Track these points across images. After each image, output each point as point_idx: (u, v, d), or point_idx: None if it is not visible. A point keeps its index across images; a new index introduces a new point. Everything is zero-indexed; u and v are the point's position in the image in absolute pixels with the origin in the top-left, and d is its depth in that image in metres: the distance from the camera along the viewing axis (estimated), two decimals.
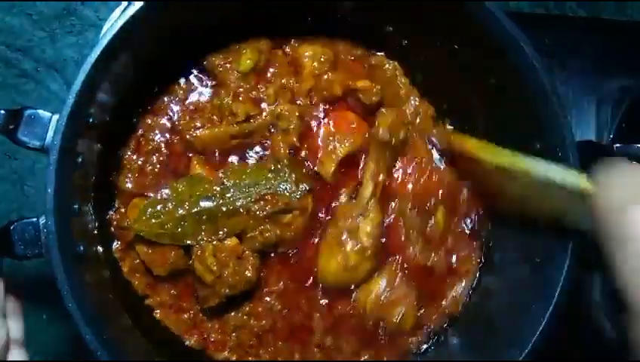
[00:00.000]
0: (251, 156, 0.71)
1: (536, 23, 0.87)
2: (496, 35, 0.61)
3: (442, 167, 0.72)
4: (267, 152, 0.70)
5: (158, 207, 0.65)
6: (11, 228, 0.57)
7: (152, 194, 0.69)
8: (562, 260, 0.60)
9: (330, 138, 0.71)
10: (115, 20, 0.58)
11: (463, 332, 0.72)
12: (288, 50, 0.73)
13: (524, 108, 0.63)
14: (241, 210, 0.66)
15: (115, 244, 0.69)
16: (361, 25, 0.72)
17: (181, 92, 0.71)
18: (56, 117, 0.57)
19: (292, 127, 0.70)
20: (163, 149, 0.70)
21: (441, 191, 0.72)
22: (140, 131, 0.71)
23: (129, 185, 0.69)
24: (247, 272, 0.67)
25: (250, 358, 0.72)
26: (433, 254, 0.72)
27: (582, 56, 0.86)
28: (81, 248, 0.59)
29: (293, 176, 0.68)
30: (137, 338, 0.68)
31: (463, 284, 0.73)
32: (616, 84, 0.85)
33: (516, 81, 0.62)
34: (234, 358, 0.71)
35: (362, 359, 0.73)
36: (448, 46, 0.68)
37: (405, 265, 0.71)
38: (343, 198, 0.71)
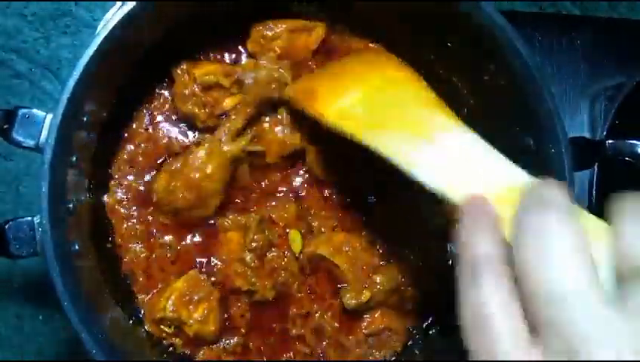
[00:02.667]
0: None
1: (529, 21, 0.87)
2: (489, 33, 0.61)
3: None
4: None
5: None
6: (6, 226, 0.57)
7: None
8: None
9: None
10: (109, 20, 0.58)
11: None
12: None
13: (516, 105, 0.63)
14: None
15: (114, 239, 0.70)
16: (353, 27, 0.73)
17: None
18: (50, 116, 0.57)
19: None
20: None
21: None
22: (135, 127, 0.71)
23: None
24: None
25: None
26: None
27: (575, 53, 0.87)
28: (77, 247, 0.59)
29: None
30: (134, 337, 0.68)
31: None
32: (610, 81, 0.86)
33: (509, 79, 0.63)
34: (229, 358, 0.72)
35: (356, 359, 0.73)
36: (441, 44, 0.68)
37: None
38: None
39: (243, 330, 0.71)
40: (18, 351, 0.81)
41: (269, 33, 0.70)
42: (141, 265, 0.70)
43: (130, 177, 0.71)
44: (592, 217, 0.38)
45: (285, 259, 0.70)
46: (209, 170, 0.67)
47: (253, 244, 0.69)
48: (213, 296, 0.68)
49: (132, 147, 0.71)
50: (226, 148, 0.68)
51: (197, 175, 0.67)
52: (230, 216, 0.70)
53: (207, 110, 0.69)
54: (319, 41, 0.72)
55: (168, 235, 0.71)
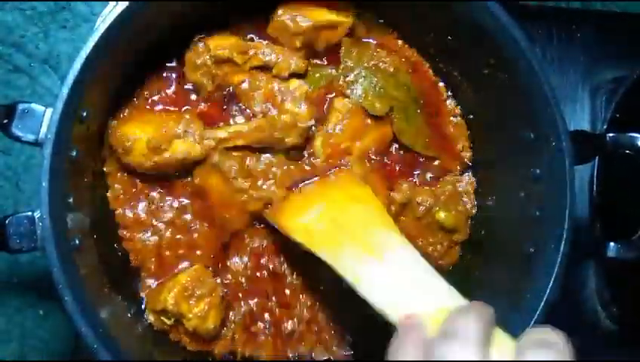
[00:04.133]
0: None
1: (529, 14, 0.87)
2: (489, 26, 0.61)
3: None
4: None
5: None
6: (6, 221, 0.57)
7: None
8: (556, 249, 0.60)
9: None
10: (108, 14, 0.58)
11: None
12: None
13: (517, 98, 0.63)
14: None
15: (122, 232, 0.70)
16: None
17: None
18: (50, 110, 0.56)
19: None
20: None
21: None
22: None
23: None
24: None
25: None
26: None
27: (575, 46, 0.87)
28: (77, 241, 0.59)
29: None
30: (135, 332, 0.68)
31: None
32: (610, 74, 0.86)
33: (509, 72, 0.63)
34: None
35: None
36: (441, 37, 0.68)
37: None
38: None
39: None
40: (18, 345, 0.81)
41: (292, 25, 0.68)
42: (151, 252, 0.71)
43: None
44: (501, 332, 0.44)
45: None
46: None
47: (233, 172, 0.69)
48: (216, 293, 0.68)
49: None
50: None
51: None
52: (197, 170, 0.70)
53: (214, 82, 0.69)
54: (341, 37, 0.72)
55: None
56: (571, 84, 0.86)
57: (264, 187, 0.70)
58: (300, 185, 0.71)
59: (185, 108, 0.71)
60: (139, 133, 0.66)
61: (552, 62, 0.86)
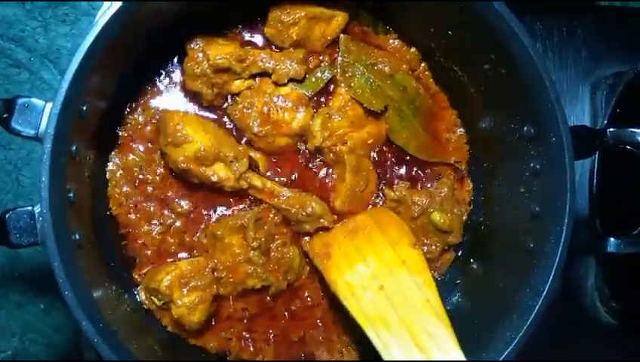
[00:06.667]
0: None
1: (530, 9, 0.86)
2: (490, 20, 0.61)
3: None
4: None
5: None
6: (6, 216, 0.57)
7: None
8: (556, 245, 0.60)
9: None
10: (108, 8, 0.58)
11: None
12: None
13: (517, 93, 0.63)
14: None
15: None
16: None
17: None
18: (49, 105, 0.56)
19: None
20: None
21: None
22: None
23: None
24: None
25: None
26: None
27: (576, 41, 0.86)
28: (77, 236, 0.59)
29: None
30: (135, 326, 0.68)
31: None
32: (610, 69, 0.86)
33: (510, 67, 0.62)
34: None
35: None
36: (441, 32, 0.68)
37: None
38: None
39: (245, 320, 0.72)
40: (20, 339, 0.82)
41: (287, 19, 0.69)
42: (153, 241, 0.71)
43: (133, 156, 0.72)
44: None
45: (291, 252, 0.71)
46: None
47: (256, 242, 0.69)
48: (210, 290, 0.68)
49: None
50: None
51: None
52: (223, 223, 0.70)
53: (214, 91, 0.70)
54: (337, 33, 0.72)
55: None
56: (572, 80, 0.86)
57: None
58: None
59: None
60: (196, 138, 0.66)
61: (552, 57, 0.85)
